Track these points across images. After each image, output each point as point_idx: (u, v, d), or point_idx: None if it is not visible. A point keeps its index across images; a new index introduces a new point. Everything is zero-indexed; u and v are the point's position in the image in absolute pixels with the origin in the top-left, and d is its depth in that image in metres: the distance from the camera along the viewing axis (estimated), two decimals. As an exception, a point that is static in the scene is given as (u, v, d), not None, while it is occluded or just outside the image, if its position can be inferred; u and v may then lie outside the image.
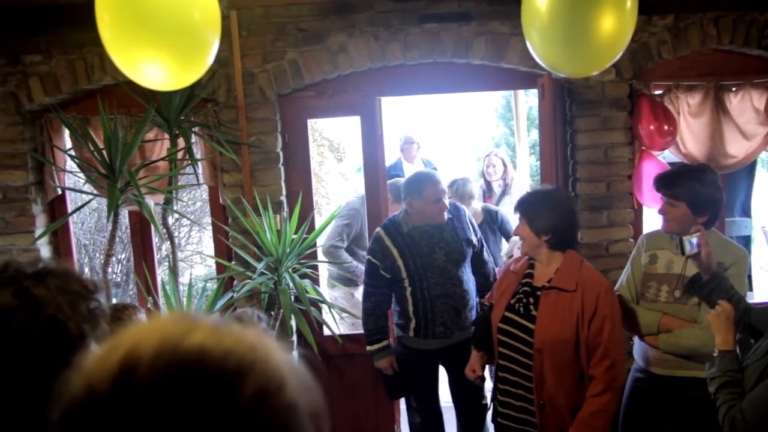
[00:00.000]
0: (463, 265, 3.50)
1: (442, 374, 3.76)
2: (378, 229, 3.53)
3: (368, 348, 3.55)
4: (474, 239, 3.59)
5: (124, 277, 6.80)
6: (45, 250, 3.81)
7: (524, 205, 2.82)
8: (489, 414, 3.07)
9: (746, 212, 4.86)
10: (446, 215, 3.47)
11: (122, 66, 1.99)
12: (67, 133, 3.77)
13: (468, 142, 11.79)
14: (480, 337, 2.96)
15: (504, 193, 5.38)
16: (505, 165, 5.41)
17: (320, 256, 4.00)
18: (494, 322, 2.87)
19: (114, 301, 5.53)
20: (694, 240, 2.65)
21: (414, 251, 3.42)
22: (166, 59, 1.95)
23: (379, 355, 3.54)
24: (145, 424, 0.60)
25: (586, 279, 2.69)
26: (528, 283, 2.84)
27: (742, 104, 3.78)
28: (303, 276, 3.67)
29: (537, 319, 2.71)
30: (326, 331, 3.77)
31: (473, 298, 3.55)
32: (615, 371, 2.63)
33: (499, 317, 2.84)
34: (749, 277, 4.54)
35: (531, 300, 2.78)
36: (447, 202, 3.49)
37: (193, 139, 3.68)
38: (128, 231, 4.79)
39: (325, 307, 3.75)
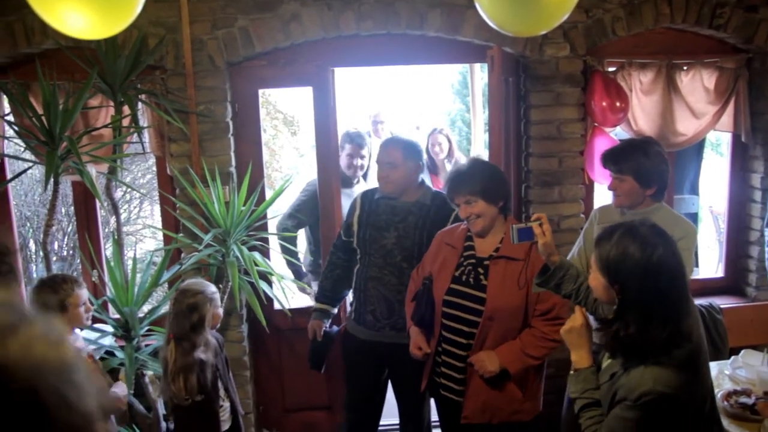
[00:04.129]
0: (414, 258, 3.14)
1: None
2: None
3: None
4: None
5: (71, 251, 6.62)
6: (-18, 220, 3.65)
7: (475, 182, 2.74)
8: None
9: (695, 190, 4.95)
10: (390, 188, 3.20)
11: (41, 12, 1.88)
12: (6, 99, 3.60)
13: (423, 118, 11.74)
14: (422, 312, 2.88)
15: None
16: (450, 143, 5.28)
17: (271, 229, 3.92)
18: (438, 296, 2.84)
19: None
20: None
21: (370, 220, 3.25)
22: (87, 9, 1.84)
23: (312, 316, 3.51)
24: None
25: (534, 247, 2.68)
26: (472, 255, 2.84)
27: (692, 83, 3.82)
28: (252, 248, 3.60)
29: (488, 288, 2.72)
30: (276, 305, 3.72)
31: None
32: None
33: (445, 290, 2.83)
34: (695, 253, 4.63)
35: (480, 270, 2.78)
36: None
37: (140, 107, 3.56)
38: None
39: (277, 281, 3.68)
